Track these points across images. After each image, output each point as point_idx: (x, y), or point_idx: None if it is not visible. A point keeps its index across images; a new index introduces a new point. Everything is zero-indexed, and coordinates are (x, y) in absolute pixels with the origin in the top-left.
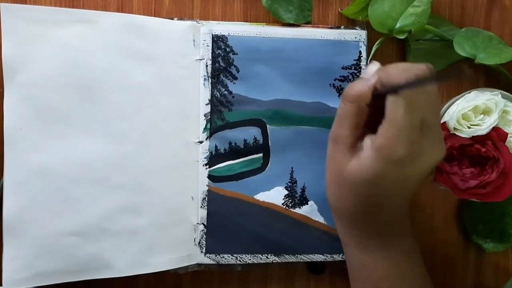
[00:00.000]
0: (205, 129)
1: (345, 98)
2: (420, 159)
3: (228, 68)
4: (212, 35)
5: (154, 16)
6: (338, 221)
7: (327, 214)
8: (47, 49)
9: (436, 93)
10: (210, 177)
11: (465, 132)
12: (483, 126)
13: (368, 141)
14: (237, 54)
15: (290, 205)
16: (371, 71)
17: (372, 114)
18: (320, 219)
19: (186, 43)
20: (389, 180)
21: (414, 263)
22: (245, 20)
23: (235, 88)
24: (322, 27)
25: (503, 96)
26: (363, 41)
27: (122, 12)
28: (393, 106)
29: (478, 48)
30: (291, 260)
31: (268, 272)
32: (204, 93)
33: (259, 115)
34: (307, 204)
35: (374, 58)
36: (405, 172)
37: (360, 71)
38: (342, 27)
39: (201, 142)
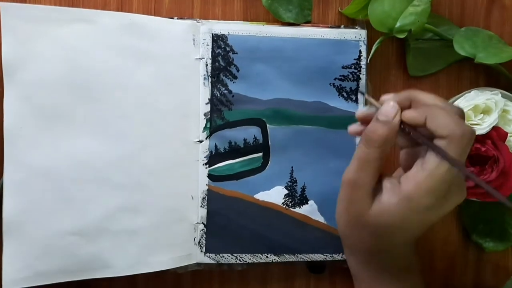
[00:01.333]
0: (205, 128)
1: (368, 143)
2: (443, 205)
3: (228, 67)
4: (212, 34)
5: (154, 15)
6: (352, 257)
7: (327, 213)
8: (47, 48)
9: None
10: (210, 176)
11: None
12: (483, 126)
13: (387, 184)
14: (237, 53)
15: (290, 204)
16: (390, 112)
17: None
18: (320, 218)
19: (186, 42)
20: (413, 224)
21: None
22: (245, 19)
23: (235, 87)
24: (322, 27)
25: (503, 96)
26: (363, 40)
27: (122, 11)
28: (437, 162)
29: (478, 48)
30: (291, 260)
31: (268, 272)
32: (204, 92)
33: (259, 115)
34: (307, 203)
35: (374, 57)
36: (428, 218)
37: (360, 70)
38: (342, 26)
39: (201, 141)
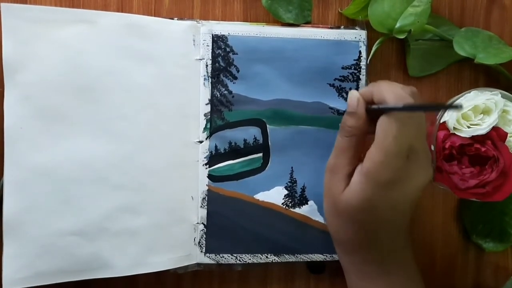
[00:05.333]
0: (205, 128)
1: (342, 133)
2: (407, 183)
3: (228, 68)
4: (212, 35)
5: (154, 16)
6: (339, 249)
7: None
8: (47, 49)
9: (424, 119)
10: (210, 176)
11: (465, 132)
12: (483, 126)
13: (358, 167)
14: (237, 54)
15: (290, 205)
16: (354, 103)
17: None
18: (319, 218)
19: (186, 43)
20: (379, 205)
21: None
22: (245, 20)
23: (235, 88)
24: (322, 27)
25: (503, 96)
26: (363, 41)
27: (122, 12)
28: (383, 132)
29: (477, 48)
30: (291, 260)
31: (268, 272)
32: (204, 92)
33: (259, 115)
34: (307, 204)
35: (374, 58)
36: (393, 196)
37: (360, 71)
38: (342, 27)
39: (201, 141)
